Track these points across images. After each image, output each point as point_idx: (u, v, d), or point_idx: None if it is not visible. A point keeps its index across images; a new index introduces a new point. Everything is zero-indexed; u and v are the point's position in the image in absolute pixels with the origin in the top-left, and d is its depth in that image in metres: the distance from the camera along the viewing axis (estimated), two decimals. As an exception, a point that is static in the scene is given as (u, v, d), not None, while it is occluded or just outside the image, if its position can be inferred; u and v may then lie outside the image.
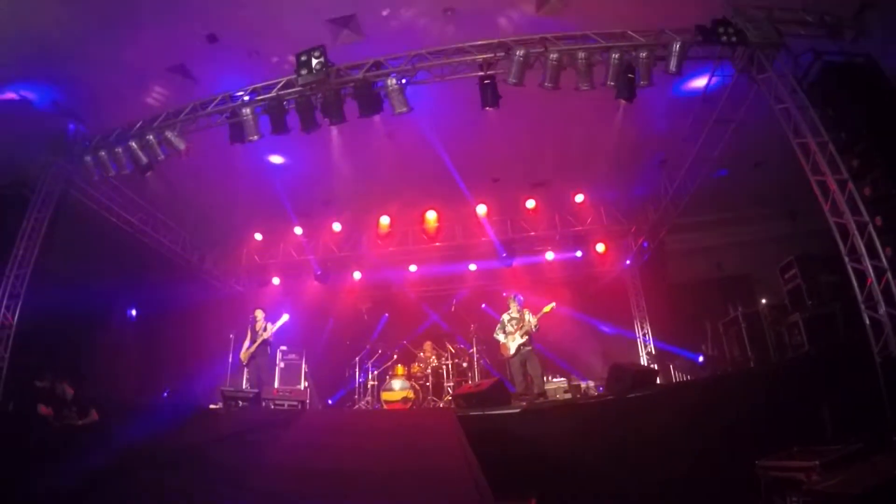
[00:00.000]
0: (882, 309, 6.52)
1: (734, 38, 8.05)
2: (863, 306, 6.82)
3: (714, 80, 9.27)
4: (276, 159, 11.99)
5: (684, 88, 9.98)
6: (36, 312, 9.51)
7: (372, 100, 8.76)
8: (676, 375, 13.13)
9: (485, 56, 8.66)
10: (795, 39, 8.07)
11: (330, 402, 14.00)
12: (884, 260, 6.61)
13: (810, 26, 8.21)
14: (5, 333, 9.07)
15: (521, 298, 10.80)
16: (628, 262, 15.53)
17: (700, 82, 9.62)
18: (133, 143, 9.50)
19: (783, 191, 12.04)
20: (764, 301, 10.96)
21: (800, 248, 9.74)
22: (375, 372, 12.70)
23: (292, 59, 8.67)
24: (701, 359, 12.44)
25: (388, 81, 8.62)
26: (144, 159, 9.53)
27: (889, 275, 6.53)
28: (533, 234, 14.84)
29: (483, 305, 14.84)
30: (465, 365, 12.61)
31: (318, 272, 15.27)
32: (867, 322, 6.73)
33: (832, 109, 7.33)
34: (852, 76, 7.37)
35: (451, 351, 12.72)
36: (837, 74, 7.41)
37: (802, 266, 9.20)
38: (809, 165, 7.57)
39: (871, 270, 6.73)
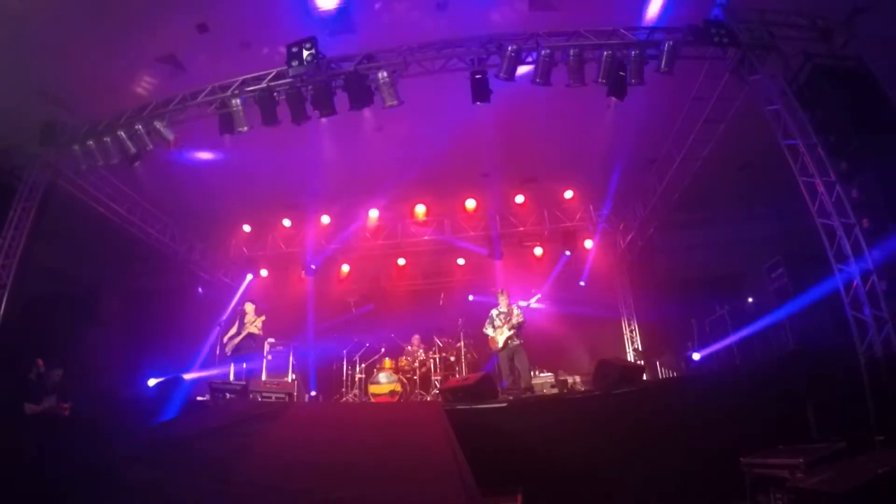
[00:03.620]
0: (867, 310, 6.60)
1: (725, 40, 8.10)
2: (848, 307, 6.90)
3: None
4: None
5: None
6: (23, 302, 9.44)
7: (363, 92, 8.70)
8: (663, 372, 13.22)
9: (477, 51, 8.65)
10: (787, 42, 8.10)
11: (313, 392, 13.91)
12: (870, 262, 6.67)
13: (802, 29, 8.24)
14: (-7, 323, 8.99)
15: (509, 293, 10.82)
16: (616, 258, 15.59)
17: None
18: (121, 133, 9.40)
19: (771, 191, 12.11)
20: (750, 300, 11.04)
21: (787, 248, 9.82)
22: (363, 365, 12.68)
23: (283, 50, 8.60)
24: (697, 356, 12.42)
25: (380, 74, 8.59)
26: (133, 149, 9.43)
27: (874, 277, 6.59)
28: (522, 229, 14.95)
29: (471, 297, 14.81)
30: (452, 359, 12.60)
31: (313, 266, 15.27)
32: (852, 323, 6.81)
33: (822, 112, 7.37)
34: (842, 79, 7.40)
35: (438, 345, 12.71)
36: (828, 77, 7.44)
37: (789, 265, 9.30)
38: (798, 167, 7.63)
39: (856, 272, 6.80)
